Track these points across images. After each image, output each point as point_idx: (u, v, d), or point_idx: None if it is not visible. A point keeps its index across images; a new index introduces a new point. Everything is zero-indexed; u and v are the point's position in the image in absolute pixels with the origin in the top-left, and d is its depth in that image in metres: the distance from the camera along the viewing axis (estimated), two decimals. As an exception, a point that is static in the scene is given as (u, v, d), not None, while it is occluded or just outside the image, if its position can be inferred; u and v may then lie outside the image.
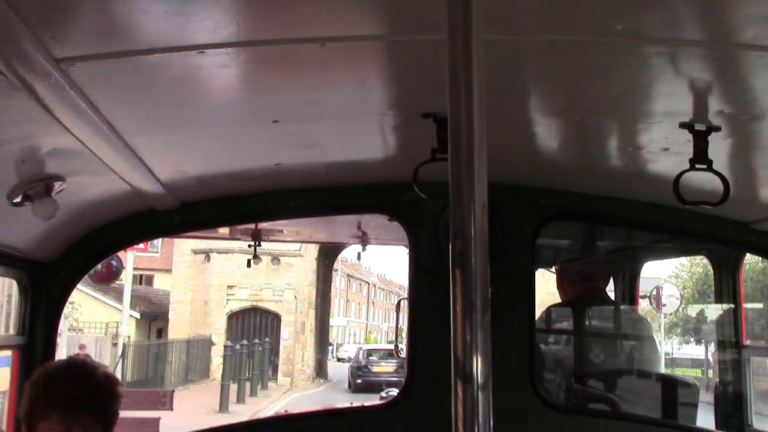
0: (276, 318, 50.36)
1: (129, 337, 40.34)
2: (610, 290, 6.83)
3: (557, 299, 6.36)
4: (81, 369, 3.43)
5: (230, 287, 49.94)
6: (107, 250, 5.05)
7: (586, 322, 6.41)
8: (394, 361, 43.61)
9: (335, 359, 71.66)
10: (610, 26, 2.52)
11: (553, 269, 7.53)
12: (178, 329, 48.65)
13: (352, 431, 5.02)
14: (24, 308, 4.59)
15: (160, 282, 59.21)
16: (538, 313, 6.41)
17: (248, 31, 2.54)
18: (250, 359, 42.14)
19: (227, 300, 50.20)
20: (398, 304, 11.03)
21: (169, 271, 54.02)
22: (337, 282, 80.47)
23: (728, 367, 6.06)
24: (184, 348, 44.72)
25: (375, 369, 45.28)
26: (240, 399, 37.03)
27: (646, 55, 2.74)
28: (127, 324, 38.02)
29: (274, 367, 48.30)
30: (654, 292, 8.55)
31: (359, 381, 44.38)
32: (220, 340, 46.56)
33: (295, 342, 49.52)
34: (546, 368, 5.88)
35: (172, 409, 15.39)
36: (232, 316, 50.52)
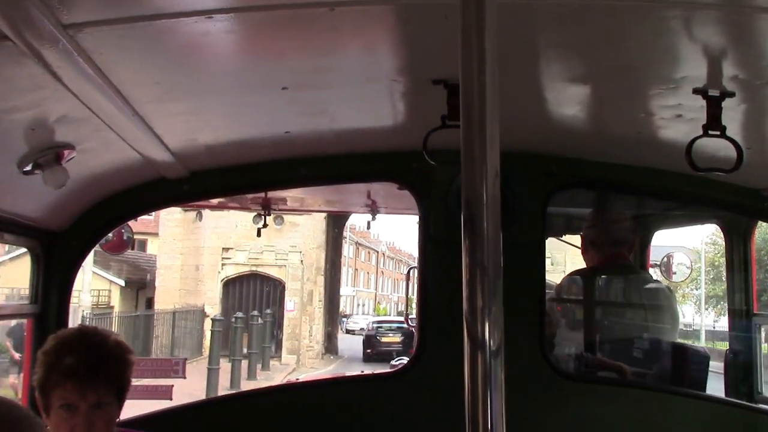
0: (279, 285, 44.08)
1: (113, 306, 37.18)
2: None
3: None
4: (92, 337, 3.46)
5: (226, 250, 43.32)
6: (118, 219, 5.07)
7: (603, 289, 6.36)
8: (401, 332, 44.61)
9: (344, 331, 69.01)
10: None
11: (564, 237, 7.52)
12: (166, 299, 42.55)
13: (362, 398, 5.06)
14: (36, 277, 4.64)
15: (154, 247, 50.55)
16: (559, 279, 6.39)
17: None
18: (248, 334, 35.69)
19: (222, 265, 43.63)
20: (408, 273, 11.06)
21: (163, 234, 46.37)
22: (346, 250, 78.98)
23: (739, 335, 6.06)
24: (172, 320, 39.36)
25: (383, 339, 46.47)
26: (234, 383, 31.19)
27: (660, 18, 2.70)
28: (89, 292, 33.24)
29: (277, 342, 42.07)
30: (665, 260, 8.50)
31: (369, 351, 45.63)
32: (214, 310, 40.33)
33: (301, 313, 43.75)
34: (564, 335, 5.87)
35: (184, 377, 15.46)
36: (228, 283, 44.12)
